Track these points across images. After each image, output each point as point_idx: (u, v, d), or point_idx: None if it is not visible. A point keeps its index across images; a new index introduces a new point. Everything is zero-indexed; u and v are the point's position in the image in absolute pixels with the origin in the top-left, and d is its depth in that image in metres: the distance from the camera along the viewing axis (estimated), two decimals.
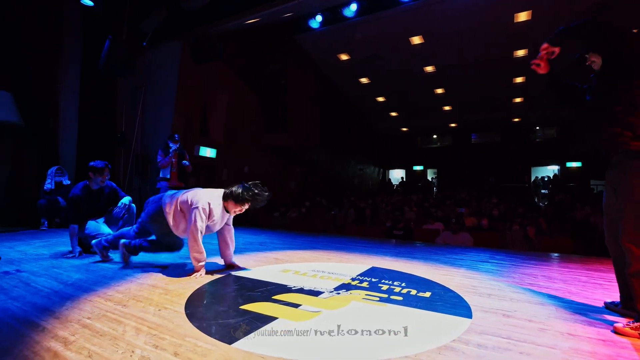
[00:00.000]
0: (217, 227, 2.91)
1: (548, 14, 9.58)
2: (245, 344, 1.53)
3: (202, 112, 9.29)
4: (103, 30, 6.55)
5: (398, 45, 12.27)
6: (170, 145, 5.52)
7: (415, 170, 24.43)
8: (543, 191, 16.94)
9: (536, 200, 15.29)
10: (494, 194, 13.22)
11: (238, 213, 2.85)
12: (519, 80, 14.32)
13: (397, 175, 25.68)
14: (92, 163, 3.59)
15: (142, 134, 7.93)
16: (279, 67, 12.70)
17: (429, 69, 14.14)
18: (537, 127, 19.66)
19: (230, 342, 1.54)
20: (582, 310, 1.98)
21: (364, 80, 15.85)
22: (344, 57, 13.69)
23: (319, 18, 11.06)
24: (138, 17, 6.96)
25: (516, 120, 18.95)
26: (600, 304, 2.06)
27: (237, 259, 3.39)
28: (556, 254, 3.81)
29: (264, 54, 11.86)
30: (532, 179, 18.81)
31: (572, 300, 2.14)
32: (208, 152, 9.28)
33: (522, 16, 9.91)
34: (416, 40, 11.92)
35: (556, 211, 9.42)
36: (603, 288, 2.45)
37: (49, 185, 5.68)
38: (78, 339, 1.57)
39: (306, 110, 14.45)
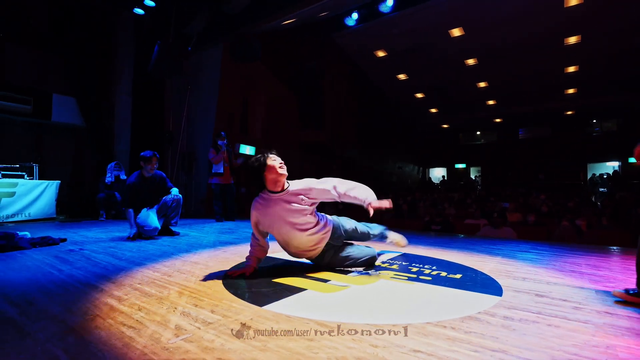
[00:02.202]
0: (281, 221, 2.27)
1: None
2: (275, 306, 1.64)
3: (242, 110, 9.68)
4: (152, 36, 7.08)
5: (437, 39, 11.95)
6: (219, 142, 5.85)
7: (458, 169, 23.53)
8: (601, 189, 15.58)
9: (593, 199, 14.12)
10: (544, 192, 12.41)
11: (276, 177, 2.23)
12: (571, 69, 13.32)
13: (438, 174, 24.86)
14: (142, 153, 4.01)
15: (187, 133, 8.45)
16: (315, 65, 12.88)
17: (471, 61, 13.59)
18: (594, 120, 18.11)
19: (261, 305, 1.65)
20: None
21: (401, 76, 15.60)
22: (380, 53, 13.58)
23: (354, 16, 11.07)
24: (184, 22, 7.44)
25: (569, 112, 17.63)
26: None
27: (272, 246, 3.54)
28: (608, 247, 3.54)
29: (301, 52, 12.10)
30: (589, 176, 17.35)
31: (615, 285, 2.01)
32: (247, 149, 9.66)
33: (573, 0, 9.23)
34: (456, 32, 11.53)
35: (617, 209, 8.64)
36: None
37: (109, 178, 6.25)
38: (130, 298, 1.77)
39: (343, 107, 14.50)
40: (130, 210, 3.89)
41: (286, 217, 2.24)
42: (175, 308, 1.62)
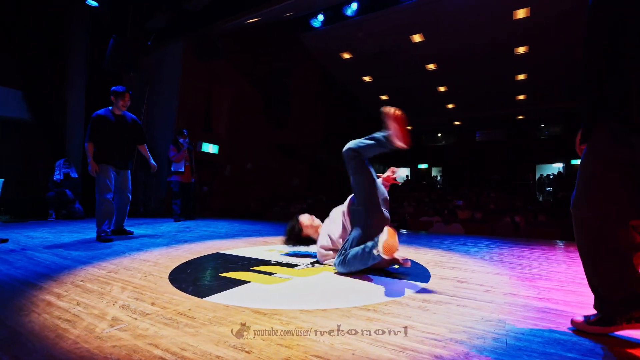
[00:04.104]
0: None
1: (546, 10, 9.60)
2: (215, 297, 1.72)
3: (205, 109, 9.53)
4: (110, 30, 6.83)
5: (399, 44, 12.38)
6: (180, 140, 5.78)
7: (420, 169, 24.42)
8: (548, 189, 16.84)
9: (541, 199, 15.22)
10: (498, 191, 13.24)
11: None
12: (521, 77, 14.30)
13: (402, 173, 25.71)
14: (113, 88, 3.70)
15: (146, 131, 8.19)
16: (283, 65, 12.91)
17: (431, 66, 14.19)
18: (542, 125, 19.52)
19: (202, 297, 1.73)
20: (534, 277, 2.13)
21: (366, 78, 15.98)
22: (346, 55, 13.84)
23: (320, 17, 11.27)
24: (143, 17, 7.23)
25: (520, 117, 18.88)
26: (558, 276, 2.18)
27: (228, 243, 3.59)
28: (536, 240, 3.92)
29: (268, 52, 12.08)
30: (537, 176, 18.68)
31: (528, 272, 2.28)
32: (210, 148, 9.52)
33: (521, 13, 9.95)
34: (417, 38, 12.01)
35: (558, 208, 9.41)
36: (564, 264, 2.57)
37: (57, 176, 5.96)
38: (70, 294, 1.78)
39: (311, 107, 14.64)
40: (87, 145, 3.57)
41: None
42: (115, 302, 1.65)
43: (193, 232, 4.38)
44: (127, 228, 4.17)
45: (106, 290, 1.85)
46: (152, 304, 1.62)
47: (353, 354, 1.12)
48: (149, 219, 6.26)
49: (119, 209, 3.94)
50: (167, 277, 2.15)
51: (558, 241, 3.95)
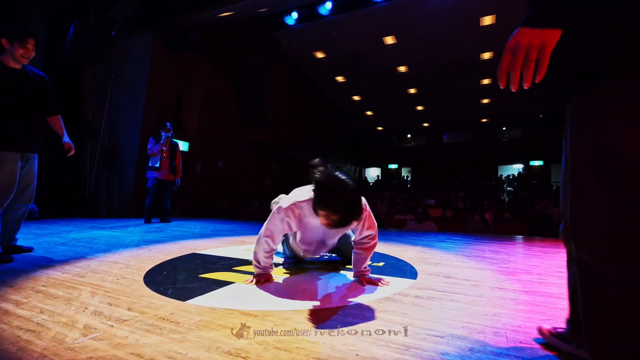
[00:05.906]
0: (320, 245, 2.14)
1: (511, 17, 10.09)
2: (199, 300, 1.61)
3: (175, 104, 9.13)
4: (71, 17, 6.34)
5: (372, 45, 12.53)
6: (162, 133, 5.47)
7: (391, 169, 24.94)
8: (509, 189, 17.75)
9: (502, 198, 16.01)
10: (465, 191, 13.78)
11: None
12: (486, 81, 14.95)
13: (373, 173, 26.10)
14: (8, 25, 2.45)
15: (110, 126, 7.73)
16: (257, 62, 12.67)
17: (402, 68, 14.49)
18: (504, 128, 20.56)
19: (184, 300, 1.61)
20: (515, 271, 2.18)
21: (339, 78, 16.06)
22: (319, 54, 13.83)
23: (294, 15, 11.16)
24: (108, 4, 6.80)
25: (484, 120, 19.76)
26: (537, 270, 2.26)
27: (203, 243, 3.44)
28: (507, 236, 4.08)
29: (243, 47, 11.80)
30: (500, 176, 19.64)
31: (508, 266, 2.34)
32: (180, 145, 9.11)
33: (487, 20, 10.39)
34: (389, 40, 12.22)
35: (519, 206, 9.92)
36: (539, 258, 2.68)
37: None
38: (31, 301, 1.60)
39: (285, 105, 14.47)
40: None
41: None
42: (86, 308, 1.50)
43: (164, 232, 4.16)
44: (20, 244, 2.79)
45: (74, 296, 1.67)
46: (129, 309, 1.48)
47: (357, 354, 1.07)
48: (113, 219, 5.89)
49: (13, 219, 2.69)
50: (142, 279, 1.99)
51: (525, 236, 4.13)
